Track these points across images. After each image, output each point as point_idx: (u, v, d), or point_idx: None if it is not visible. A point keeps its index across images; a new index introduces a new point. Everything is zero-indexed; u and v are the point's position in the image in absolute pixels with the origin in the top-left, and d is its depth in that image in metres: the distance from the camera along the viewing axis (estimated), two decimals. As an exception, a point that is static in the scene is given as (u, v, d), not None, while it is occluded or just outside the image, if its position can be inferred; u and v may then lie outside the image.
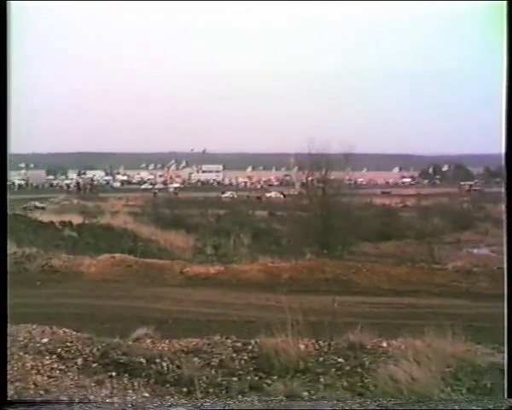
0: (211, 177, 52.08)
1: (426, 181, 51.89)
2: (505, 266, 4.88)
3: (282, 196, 43.16)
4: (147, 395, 6.90)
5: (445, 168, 52.32)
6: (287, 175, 47.31)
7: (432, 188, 47.62)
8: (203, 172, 52.49)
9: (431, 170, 52.94)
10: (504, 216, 4.83)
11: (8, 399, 5.50)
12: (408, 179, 52.23)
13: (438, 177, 52.41)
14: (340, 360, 7.94)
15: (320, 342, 8.41)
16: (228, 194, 45.21)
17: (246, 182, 51.21)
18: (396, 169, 52.22)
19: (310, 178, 31.94)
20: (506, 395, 5.11)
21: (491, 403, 5.68)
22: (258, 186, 49.85)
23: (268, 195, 45.22)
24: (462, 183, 46.84)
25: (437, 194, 43.31)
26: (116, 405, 6.22)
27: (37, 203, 29.14)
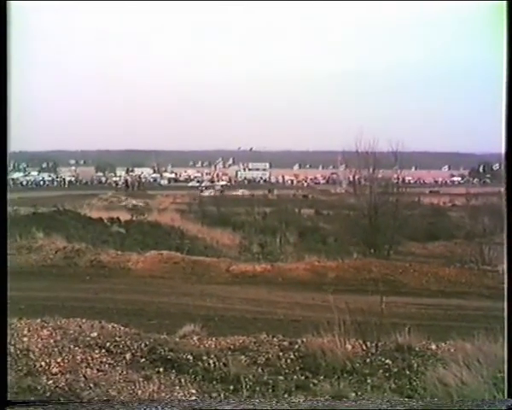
0: (257, 175, 52.10)
1: (476, 180, 50.81)
2: (505, 266, 4.75)
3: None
4: (194, 391, 6.95)
5: (495, 167, 51.13)
6: (333, 173, 46.97)
7: (482, 187, 46.58)
8: (249, 170, 52.55)
9: (481, 168, 51.81)
10: (505, 213, 4.71)
11: (8, 399, 5.62)
12: (457, 178, 51.25)
13: (488, 176, 51.24)
14: (387, 361, 7.85)
15: (367, 342, 8.33)
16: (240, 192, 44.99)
17: (292, 180, 51.06)
18: (445, 168, 51.31)
19: (357, 177, 31.63)
20: (506, 395, 4.98)
21: (491, 403, 5.55)
22: (305, 184, 49.64)
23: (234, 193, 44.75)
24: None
25: (487, 193, 42.29)
26: (115, 404, 6.28)
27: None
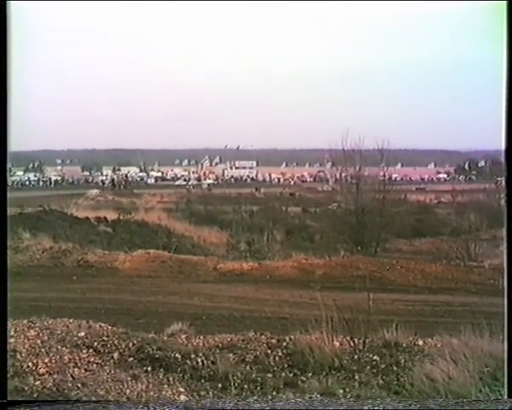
0: (244, 173, 52.11)
1: (462, 177, 51.10)
2: (505, 265, 4.80)
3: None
4: (182, 390, 6.95)
5: (481, 164, 51.48)
6: (320, 171, 47.04)
7: (468, 184, 46.87)
8: (236, 168, 52.55)
9: (467, 166, 52.13)
10: (505, 210, 4.76)
11: (9, 399, 5.60)
12: (443, 175, 51.54)
13: (474, 172, 51.57)
14: (375, 357, 7.89)
15: (355, 339, 8.36)
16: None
17: (279, 178, 51.13)
18: (431, 165, 51.60)
19: (343, 175, 31.72)
20: (506, 395, 5.03)
21: (491, 403, 5.60)
22: (292, 182, 49.72)
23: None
24: (499, 178, 45.98)
25: (473, 190, 42.61)
26: (114, 403, 6.27)
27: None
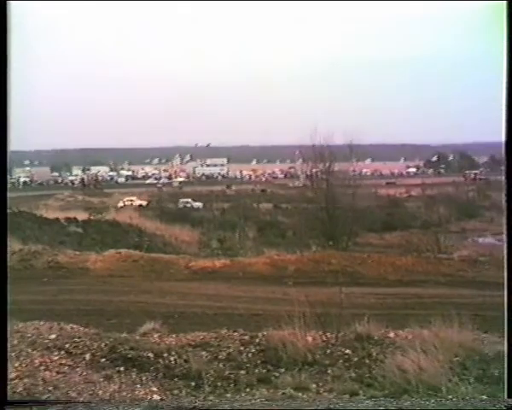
0: (215, 170, 52.08)
1: (431, 171, 51.71)
2: (505, 263, 4.86)
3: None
4: (155, 389, 6.92)
5: (450, 157, 52.14)
6: (291, 167, 47.22)
7: (437, 177, 47.48)
8: (207, 165, 52.50)
9: (436, 159, 52.77)
10: (504, 204, 4.82)
11: (9, 399, 5.52)
12: (413, 169, 52.12)
13: (443, 166, 52.23)
14: (347, 351, 7.94)
15: (327, 333, 8.41)
16: None
17: (250, 175, 51.20)
18: (401, 159, 52.14)
19: (314, 170, 31.84)
20: (506, 395, 5.10)
21: (491, 403, 5.67)
22: (263, 179, 49.82)
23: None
24: (468, 172, 46.68)
25: (442, 183, 43.20)
26: (113, 404, 6.23)
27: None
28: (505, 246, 4.75)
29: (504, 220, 4.74)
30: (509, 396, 5.03)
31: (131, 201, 39.08)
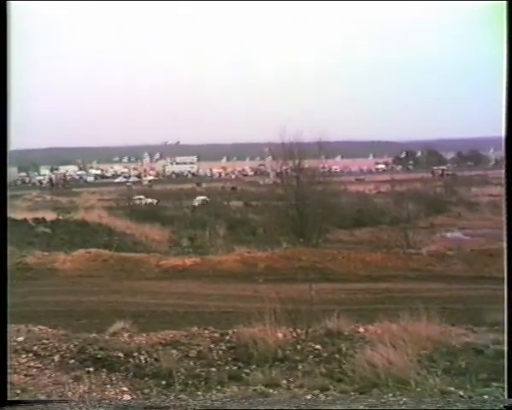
0: (185, 168, 51.90)
1: (399, 167, 52.23)
2: (505, 261, 4.90)
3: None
4: (125, 389, 6.87)
5: (418, 154, 52.73)
6: (261, 165, 47.28)
7: (405, 174, 47.94)
8: (177, 164, 52.29)
9: (404, 156, 53.33)
10: (504, 202, 4.85)
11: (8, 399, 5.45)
12: (382, 166, 52.58)
13: (411, 162, 52.79)
14: (317, 346, 7.98)
15: (298, 329, 8.43)
16: None
17: (220, 173, 51.15)
18: (370, 156, 52.58)
19: (284, 168, 31.91)
20: (506, 395, 5.15)
21: (491, 403, 5.74)
22: (233, 177, 49.80)
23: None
24: (435, 168, 47.28)
25: (410, 179, 43.61)
26: (113, 404, 6.17)
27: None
28: (505, 246, 4.80)
29: (504, 220, 4.79)
30: (509, 396, 5.08)
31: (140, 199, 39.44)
